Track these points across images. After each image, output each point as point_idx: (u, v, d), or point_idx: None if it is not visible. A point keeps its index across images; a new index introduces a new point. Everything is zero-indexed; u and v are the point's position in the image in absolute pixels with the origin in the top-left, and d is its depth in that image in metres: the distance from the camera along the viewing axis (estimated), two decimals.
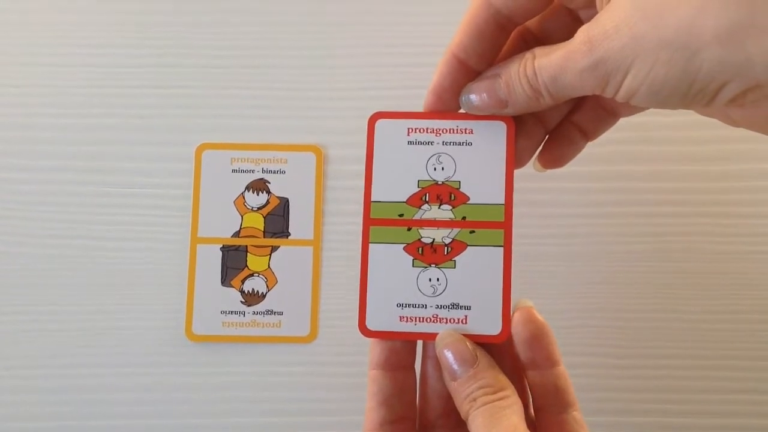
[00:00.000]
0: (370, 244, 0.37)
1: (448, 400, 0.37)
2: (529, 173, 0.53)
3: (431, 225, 0.37)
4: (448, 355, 0.35)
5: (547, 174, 0.53)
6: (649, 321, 0.53)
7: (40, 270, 0.54)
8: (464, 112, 0.37)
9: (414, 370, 0.39)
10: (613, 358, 0.53)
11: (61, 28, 0.56)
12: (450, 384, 0.35)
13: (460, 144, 0.37)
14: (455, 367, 0.35)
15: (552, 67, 0.32)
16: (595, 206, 0.54)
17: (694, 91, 0.29)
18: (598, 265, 0.53)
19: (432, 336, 0.36)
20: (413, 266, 0.37)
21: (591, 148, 0.54)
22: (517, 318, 0.36)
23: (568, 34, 0.34)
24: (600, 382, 0.53)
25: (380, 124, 0.38)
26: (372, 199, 0.37)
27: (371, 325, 0.37)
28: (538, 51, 0.34)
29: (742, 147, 0.54)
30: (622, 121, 0.54)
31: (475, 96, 0.36)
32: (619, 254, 0.53)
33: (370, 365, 0.38)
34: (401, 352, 0.38)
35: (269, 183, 0.54)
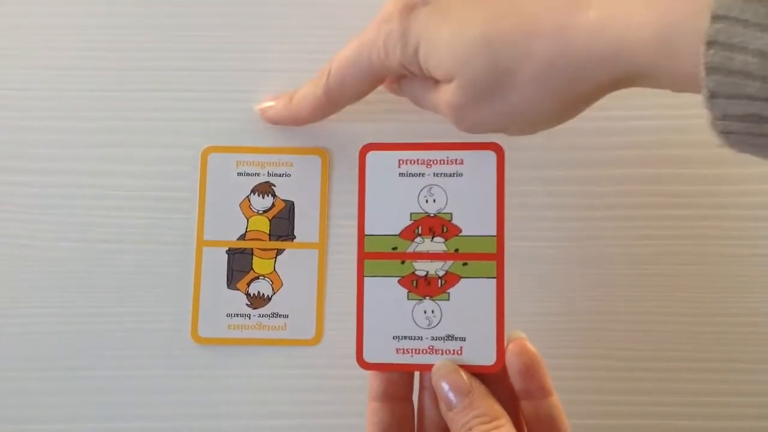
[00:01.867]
0: (365, 278, 0.37)
1: (445, 430, 0.37)
2: (526, 177, 0.53)
3: (425, 258, 0.37)
4: (444, 386, 0.36)
5: (544, 178, 0.53)
6: (648, 324, 0.53)
7: (45, 272, 0.54)
8: None
9: (412, 401, 0.39)
10: (613, 360, 0.53)
11: (65, 31, 0.56)
12: (446, 414, 0.36)
13: (450, 175, 0.37)
14: (451, 396, 0.36)
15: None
16: (594, 209, 0.53)
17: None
18: (596, 268, 0.53)
19: (428, 367, 0.37)
20: (408, 299, 0.37)
21: (589, 152, 0.53)
22: (510, 349, 0.37)
23: None
24: (600, 385, 0.53)
25: (371, 156, 0.38)
26: (366, 233, 0.37)
27: (368, 357, 0.37)
28: None
29: None
30: (619, 125, 0.54)
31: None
32: (617, 257, 0.53)
33: (369, 397, 0.38)
34: (398, 384, 0.38)
35: (275, 186, 0.54)
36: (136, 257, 0.54)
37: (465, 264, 0.37)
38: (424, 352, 0.37)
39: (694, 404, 0.52)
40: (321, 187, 0.54)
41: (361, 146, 0.38)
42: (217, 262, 0.54)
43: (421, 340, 0.37)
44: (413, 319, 0.37)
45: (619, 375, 0.53)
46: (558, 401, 0.38)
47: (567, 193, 0.54)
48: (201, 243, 0.54)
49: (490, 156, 0.37)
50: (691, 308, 0.53)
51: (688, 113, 0.52)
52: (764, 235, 0.53)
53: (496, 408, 0.35)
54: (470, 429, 0.35)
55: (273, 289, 0.54)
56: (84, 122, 0.55)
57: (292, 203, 0.54)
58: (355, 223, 0.53)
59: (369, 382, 0.38)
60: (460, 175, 0.37)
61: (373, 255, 0.37)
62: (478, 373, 0.37)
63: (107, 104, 0.55)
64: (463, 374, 0.36)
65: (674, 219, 0.53)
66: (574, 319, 0.53)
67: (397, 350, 0.37)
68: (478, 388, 0.36)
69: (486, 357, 0.37)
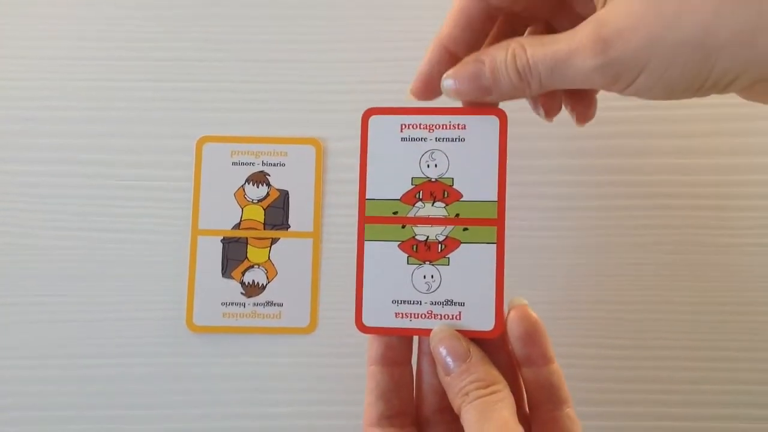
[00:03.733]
0: (365, 242, 0.37)
1: (443, 395, 0.37)
2: (526, 165, 0.54)
3: (425, 222, 0.37)
4: (442, 351, 0.36)
5: (542, 167, 0.54)
6: (645, 313, 0.53)
7: (42, 261, 0.54)
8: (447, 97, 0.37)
9: (411, 365, 0.39)
10: (611, 349, 0.53)
11: (63, 21, 0.57)
12: (444, 379, 0.36)
13: (453, 140, 0.37)
14: (448, 361, 0.36)
15: (550, 60, 0.33)
16: (591, 199, 0.54)
17: (707, 86, 0.31)
18: (594, 257, 0.54)
19: (427, 332, 0.37)
20: (408, 263, 0.37)
21: (586, 141, 0.54)
22: (512, 316, 0.37)
23: (550, 13, 0.37)
24: (598, 374, 0.53)
25: (373, 120, 0.38)
26: (366, 197, 0.37)
27: (367, 321, 0.37)
28: (526, 41, 0.34)
29: (737, 141, 0.54)
30: (617, 115, 0.54)
31: (458, 82, 0.36)
32: (615, 246, 0.54)
33: (368, 361, 0.38)
34: (397, 348, 0.38)
35: (269, 175, 0.55)
36: (130, 246, 0.54)
37: (465, 229, 0.37)
38: (423, 316, 0.37)
39: (692, 392, 0.53)
40: (315, 176, 0.55)
41: (364, 110, 0.39)
42: (212, 251, 0.54)
43: (420, 304, 0.37)
44: (413, 283, 0.37)
45: (615, 363, 0.53)
46: (559, 368, 0.38)
47: (564, 183, 0.54)
48: (196, 232, 0.54)
49: (493, 121, 0.37)
50: (689, 297, 0.53)
51: (686, 102, 0.53)
52: (759, 224, 0.54)
53: (494, 373, 0.35)
54: (467, 394, 0.34)
55: (267, 277, 0.54)
56: (79, 112, 0.56)
57: (287, 192, 0.55)
58: (349, 212, 0.54)
59: (368, 345, 0.38)
60: (463, 140, 0.37)
61: (373, 219, 0.37)
62: (476, 338, 0.37)
63: (103, 94, 0.56)
64: (461, 339, 0.36)
65: (672, 209, 0.54)
66: (571, 307, 0.53)
67: (396, 314, 0.37)
68: (476, 353, 0.36)
69: (485, 322, 0.36)
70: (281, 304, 0.54)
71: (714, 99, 0.53)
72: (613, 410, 0.53)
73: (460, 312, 0.37)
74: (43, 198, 0.55)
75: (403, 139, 0.38)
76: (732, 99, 0.53)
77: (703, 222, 0.54)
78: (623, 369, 0.53)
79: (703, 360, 0.53)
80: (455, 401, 0.35)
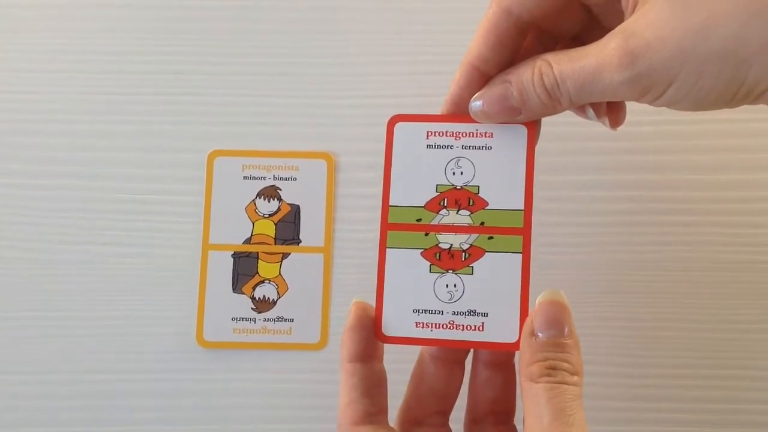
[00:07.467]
0: (387, 249, 0.37)
1: (494, 403, 0.38)
2: (536, 182, 0.53)
3: (449, 230, 0.37)
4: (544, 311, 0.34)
5: (554, 183, 0.53)
6: (659, 330, 0.53)
7: (51, 276, 0.54)
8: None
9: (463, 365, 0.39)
10: (624, 367, 0.53)
11: (74, 35, 0.57)
12: (527, 339, 0.34)
13: (479, 148, 0.37)
14: (540, 324, 0.34)
15: (578, 76, 0.32)
16: (603, 215, 0.54)
17: (739, 96, 0.30)
18: (606, 274, 0.53)
19: (447, 342, 0.36)
20: (430, 272, 0.37)
21: (595, 156, 0.54)
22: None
23: (580, 28, 0.36)
24: (611, 392, 0.52)
25: (399, 127, 0.38)
26: (390, 204, 0.37)
27: (387, 331, 0.37)
28: (552, 58, 0.34)
29: (750, 156, 0.54)
30: (626, 130, 0.54)
31: (485, 105, 0.36)
32: (627, 263, 0.53)
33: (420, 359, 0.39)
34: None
35: (280, 190, 0.55)
36: (141, 261, 0.54)
37: (490, 238, 0.36)
38: (444, 327, 0.36)
39: (702, 411, 0.52)
40: (327, 191, 0.55)
41: (390, 117, 0.38)
42: (223, 266, 0.54)
43: (442, 314, 0.36)
44: (435, 292, 0.36)
45: (624, 381, 0.53)
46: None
47: (574, 199, 0.54)
48: (206, 246, 0.54)
49: (521, 130, 0.36)
50: (698, 315, 0.53)
51: (697, 118, 0.53)
52: None
53: (581, 365, 0.34)
54: (554, 369, 0.32)
55: (278, 293, 0.54)
56: (91, 126, 0.55)
57: (298, 207, 0.54)
58: (361, 227, 0.54)
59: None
60: (489, 148, 0.36)
61: (396, 226, 0.37)
62: (498, 350, 0.36)
63: (113, 107, 0.56)
64: (567, 313, 0.34)
65: (681, 225, 0.53)
66: (583, 325, 0.52)
67: (417, 324, 0.36)
68: (575, 337, 0.34)
69: (508, 334, 0.35)
70: (292, 320, 0.54)
71: (726, 114, 0.53)
72: (624, 429, 0.52)
73: (483, 323, 0.36)
74: (52, 212, 0.55)
75: (428, 146, 0.37)
76: (745, 114, 0.53)
77: (716, 239, 0.53)
78: (634, 387, 0.53)
79: (717, 378, 0.52)
80: (531, 369, 0.33)
